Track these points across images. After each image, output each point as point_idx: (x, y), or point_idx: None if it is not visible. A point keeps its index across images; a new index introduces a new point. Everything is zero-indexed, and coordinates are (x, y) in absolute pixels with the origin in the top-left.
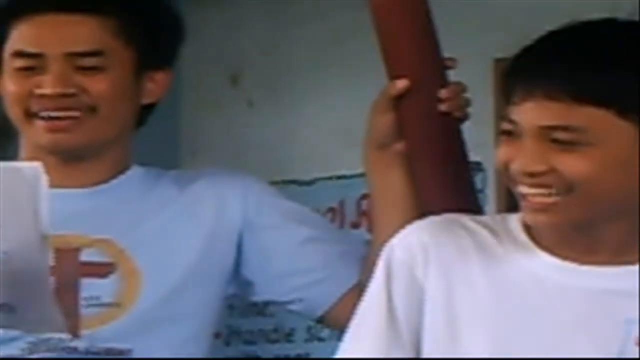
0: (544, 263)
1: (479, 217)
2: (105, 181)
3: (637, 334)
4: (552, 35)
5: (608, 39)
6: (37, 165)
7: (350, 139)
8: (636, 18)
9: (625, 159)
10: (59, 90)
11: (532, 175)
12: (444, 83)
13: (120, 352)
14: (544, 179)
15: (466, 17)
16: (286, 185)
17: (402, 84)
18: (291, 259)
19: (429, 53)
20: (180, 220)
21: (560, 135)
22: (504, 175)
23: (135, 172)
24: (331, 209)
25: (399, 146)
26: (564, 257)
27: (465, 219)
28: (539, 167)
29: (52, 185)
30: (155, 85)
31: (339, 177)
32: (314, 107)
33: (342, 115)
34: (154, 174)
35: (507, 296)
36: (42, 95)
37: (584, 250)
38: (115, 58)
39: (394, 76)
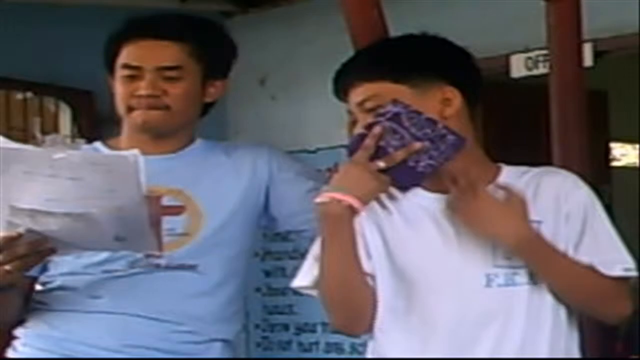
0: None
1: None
2: (179, 149)
3: None
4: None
5: (401, 47)
6: (136, 152)
7: (342, 122)
8: None
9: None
10: (148, 92)
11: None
12: None
13: (189, 266)
14: None
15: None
16: (298, 153)
17: None
18: (301, 202)
19: None
20: (227, 176)
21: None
22: None
23: (198, 144)
24: (328, 169)
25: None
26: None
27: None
28: None
29: (144, 153)
30: (215, 90)
31: (333, 147)
32: (317, 99)
33: (336, 105)
34: (210, 145)
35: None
36: (139, 96)
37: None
38: (188, 72)
39: None
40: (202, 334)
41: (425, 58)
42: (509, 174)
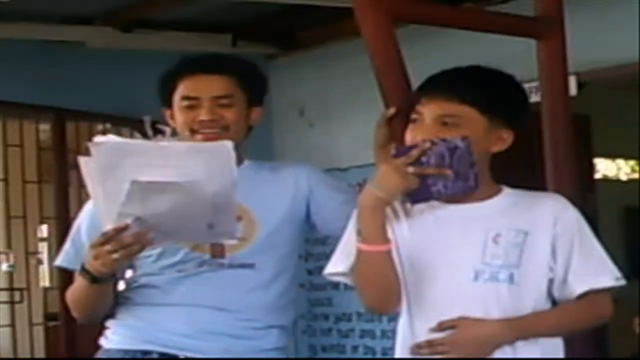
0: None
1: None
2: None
3: (494, 234)
4: (442, 71)
5: (470, 73)
6: (230, 143)
7: (368, 143)
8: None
9: (478, 137)
10: (209, 117)
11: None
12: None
13: (248, 265)
14: None
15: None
16: (332, 170)
17: (392, 110)
18: (336, 211)
19: (406, 92)
20: (276, 190)
21: (447, 119)
22: None
23: (248, 163)
24: (358, 184)
25: (391, 146)
26: (453, 203)
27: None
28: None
29: None
30: (255, 115)
31: (361, 166)
32: (347, 126)
33: (363, 128)
34: (258, 164)
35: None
36: (201, 121)
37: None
38: (237, 99)
39: (387, 105)
40: (260, 321)
41: (512, 102)
42: (508, 193)
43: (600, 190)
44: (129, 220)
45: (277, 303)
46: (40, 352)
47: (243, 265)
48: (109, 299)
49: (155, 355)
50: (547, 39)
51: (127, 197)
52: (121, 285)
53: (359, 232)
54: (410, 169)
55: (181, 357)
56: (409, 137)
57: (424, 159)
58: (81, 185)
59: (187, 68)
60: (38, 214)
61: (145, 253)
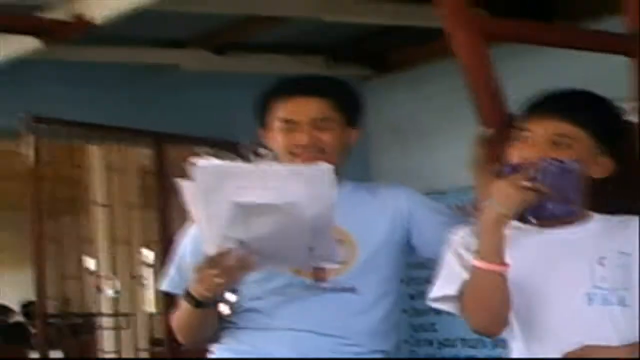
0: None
1: None
2: None
3: (598, 257)
4: (552, 92)
5: (582, 97)
6: (330, 166)
7: (466, 165)
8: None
9: (584, 159)
10: (307, 141)
11: None
12: (511, 129)
13: (349, 289)
14: None
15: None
16: (430, 194)
17: (489, 130)
18: (436, 233)
19: (502, 111)
20: (374, 212)
21: (559, 139)
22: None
23: (345, 184)
24: (457, 206)
25: (489, 167)
26: (544, 227)
27: None
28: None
29: None
30: (353, 137)
31: (461, 188)
32: (444, 146)
33: (460, 149)
34: (355, 186)
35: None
36: (300, 145)
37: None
38: (335, 121)
39: (483, 125)
40: (364, 346)
41: (619, 131)
42: (599, 218)
43: None
44: (232, 244)
45: (379, 327)
46: None
47: (344, 289)
48: (213, 323)
49: None
50: (637, 56)
51: (229, 220)
52: (226, 310)
53: (477, 251)
54: (526, 184)
55: None
56: (517, 154)
57: (539, 176)
58: (183, 210)
59: (284, 90)
60: (141, 238)
61: (249, 278)
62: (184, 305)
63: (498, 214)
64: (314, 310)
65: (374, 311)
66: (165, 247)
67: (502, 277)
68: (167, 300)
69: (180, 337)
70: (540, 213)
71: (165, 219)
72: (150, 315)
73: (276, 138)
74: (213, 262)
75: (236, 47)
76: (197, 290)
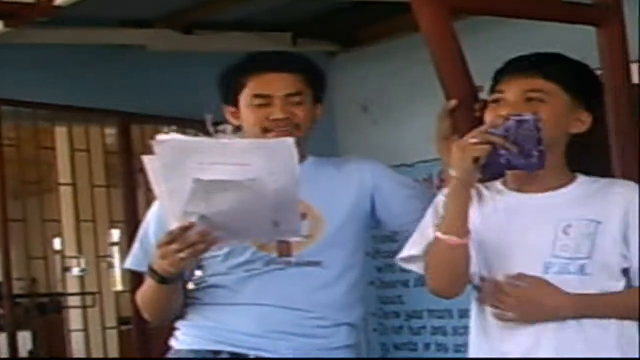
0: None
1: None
2: None
3: (565, 225)
4: (526, 54)
5: (554, 55)
6: (292, 140)
7: (432, 137)
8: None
9: (561, 114)
10: (283, 116)
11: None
12: (477, 101)
13: (315, 263)
14: None
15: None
16: (398, 167)
17: (453, 102)
18: (403, 206)
19: (467, 83)
20: (339, 187)
21: (533, 94)
22: None
23: (311, 160)
24: (424, 179)
25: (455, 138)
26: (524, 192)
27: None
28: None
29: None
30: (319, 112)
31: (427, 161)
32: (411, 121)
33: (427, 123)
34: (322, 161)
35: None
36: (275, 119)
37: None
38: (306, 97)
39: (448, 97)
40: (329, 319)
41: (593, 84)
42: (582, 181)
43: None
44: (194, 219)
45: (345, 300)
46: (114, 355)
47: (310, 263)
48: (179, 300)
49: (225, 355)
50: (606, 26)
51: (191, 196)
52: (190, 286)
53: (442, 219)
54: (474, 140)
55: (251, 356)
56: (490, 117)
57: (491, 130)
58: (149, 189)
59: (256, 66)
60: (107, 218)
61: (213, 253)
62: (148, 282)
63: (455, 179)
64: (278, 284)
65: (339, 284)
66: (131, 227)
67: (462, 248)
68: (134, 279)
69: (145, 314)
70: (496, 168)
71: (131, 199)
72: (118, 294)
73: (247, 114)
74: (175, 237)
75: (203, 26)
76: (161, 266)
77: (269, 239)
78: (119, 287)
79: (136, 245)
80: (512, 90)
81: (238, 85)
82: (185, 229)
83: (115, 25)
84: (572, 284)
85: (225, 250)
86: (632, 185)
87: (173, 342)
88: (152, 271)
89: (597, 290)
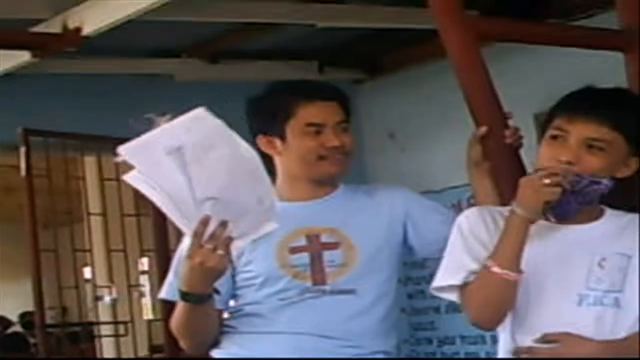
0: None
1: (499, 207)
2: (328, 194)
3: (599, 258)
4: (587, 89)
5: (620, 97)
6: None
7: (461, 163)
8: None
9: (615, 163)
10: (338, 143)
11: (569, 164)
12: (506, 127)
13: (349, 291)
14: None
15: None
16: (425, 193)
17: (484, 128)
18: (433, 233)
19: (496, 110)
20: (372, 215)
21: (594, 143)
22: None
23: (342, 188)
24: (453, 205)
25: (485, 165)
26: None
27: (493, 208)
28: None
29: (303, 199)
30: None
31: (455, 187)
32: (438, 147)
33: (455, 149)
34: (352, 188)
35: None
36: (332, 147)
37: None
38: (349, 124)
39: (478, 124)
40: (364, 348)
41: None
42: (610, 215)
43: None
44: (207, 208)
45: (379, 328)
46: None
47: (344, 292)
48: (214, 325)
49: None
50: (633, 51)
51: (189, 183)
52: (225, 315)
53: (495, 252)
54: (547, 181)
55: None
56: (549, 153)
57: (565, 182)
58: None
59: (304, 95)
60: (137, 246)
61: (247, 282)
62: (182, 308)
63: (521, 218)
64: (313, 313)
65: (374, 312)
66: (161, 255)
67: (516, 283)
68: (166, 307)
69: (182, 341)
70: (563, 212)
71: (160, 227)
72: (149, 322)
73: (299, 142)
74: (201, 233)
75: (229, 55)
76: (191, 282)
77: (259, 222)
78: (150, 315)
79: (170, 275)
80: (575, 134)
81: (285, 114)
82: (204, 222)
83: (142, 55)
84: (603, 317)
85: (260, 279)
86: None
87: None
88: (186, 294)
89: (631, 322)
